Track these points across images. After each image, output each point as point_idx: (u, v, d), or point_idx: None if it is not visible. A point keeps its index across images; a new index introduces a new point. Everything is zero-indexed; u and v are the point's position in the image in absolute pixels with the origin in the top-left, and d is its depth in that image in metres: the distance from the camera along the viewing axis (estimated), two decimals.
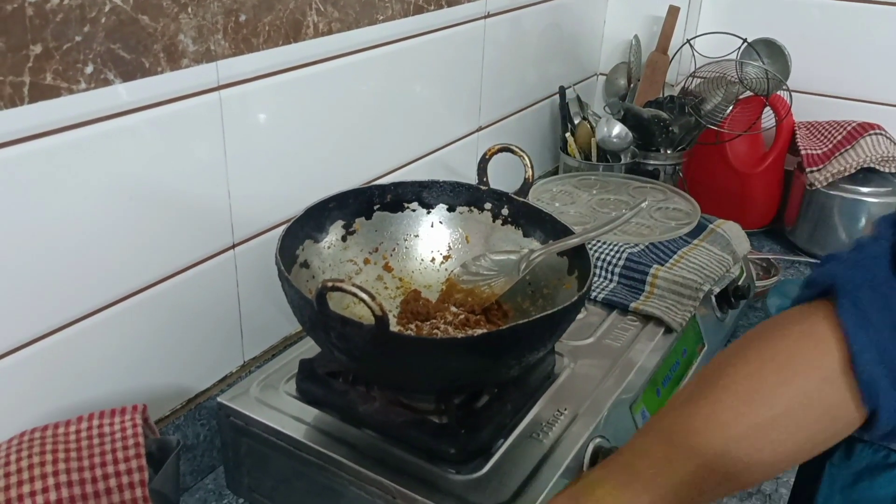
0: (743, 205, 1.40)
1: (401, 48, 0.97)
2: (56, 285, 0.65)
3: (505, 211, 0.84)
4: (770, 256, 1.26)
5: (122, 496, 0.52)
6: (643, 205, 0.76)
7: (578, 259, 0.76)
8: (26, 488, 0.50)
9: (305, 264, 0.77)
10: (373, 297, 0.56)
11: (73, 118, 0.62)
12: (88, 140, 0.64)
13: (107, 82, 0.64)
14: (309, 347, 0.81)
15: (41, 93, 0.59)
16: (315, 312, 0.60)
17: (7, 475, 0.51)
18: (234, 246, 0.82)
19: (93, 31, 0.62)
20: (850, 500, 1.08)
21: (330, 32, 0.85)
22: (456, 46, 1.09)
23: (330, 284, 0.57)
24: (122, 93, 0.66)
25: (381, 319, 0.57)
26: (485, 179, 0.85)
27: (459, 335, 0.58)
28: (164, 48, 0.68)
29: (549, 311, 0.63)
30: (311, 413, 0.73)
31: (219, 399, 0.74)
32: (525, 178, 0.83)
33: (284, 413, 0.72)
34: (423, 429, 0.69)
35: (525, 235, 0.83)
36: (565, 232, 0.78)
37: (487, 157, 0.84)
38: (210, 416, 0.84)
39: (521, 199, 0.83)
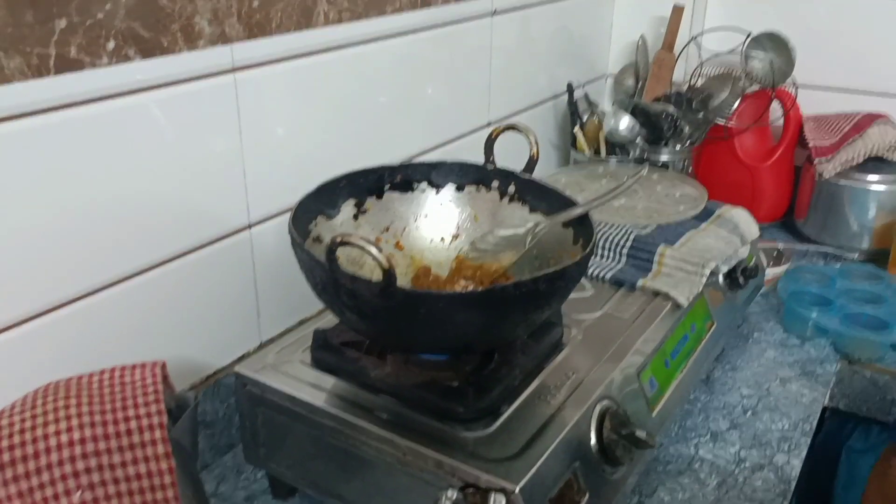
0: (753, 198, 1.41)
1: (410, 41, 1.01)
2: (76, 254, 0.69)
3: (511, 188, 0.86)
4: (780, 245, 1.27)
5: (142, 437, 0.54)
6: (643, 172, 0.78)
7: (582, 228, 0.77)
8: (51, 428, 0.52)
9: (319, 239, 0.79)
10: (380, 250, 0.59)
11: (96, 91, 0.66)
12: (109, 114, 0.68)
13: (127, 58, 0.67)
14: (324, 323, 0.83)
15: (66, 65, 0.63)
16: (326, 271, 0.62)
17: (34, 416, 0.53)
18: (249, 226, 0.85)
19: (114, 9, 0.65)
20: (871, 481, 1.08)
21: (340, 21, 0.88)
22: (464, 43, 1.12)
23: (339, 239, 0.59)
24: (142, 69, 0.69)
25: (389, 272, 0.59)
26: (491, 159, 0.87)
27: (461, 291, 0.60)
28: (181, 28, 0.71)
29: (554, 268, 0.65)
30: (325, 380, 0.74)
31: (235, 368, 0.76)
32: (530, 156, 0.85)
33: (300, 380, 0.74)
34: (433, 390, 0.70)
35: (531, 211, 0.85)
36: (570, 204, 0.80)
37: (493, 136, 0.86)
38: (228, 393, 0.86)
39: (527, 176, 0.85)
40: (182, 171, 0.75)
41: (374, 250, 0.58)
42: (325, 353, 0.76)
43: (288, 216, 0.88)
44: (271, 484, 0.82)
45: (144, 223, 0.74)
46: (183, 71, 0.73)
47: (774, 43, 1.33)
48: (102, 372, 0.59)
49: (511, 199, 0.86)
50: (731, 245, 1.02)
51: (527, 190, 0.85)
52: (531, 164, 0.85)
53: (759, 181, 1.41)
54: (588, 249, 0.69)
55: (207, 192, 0.79)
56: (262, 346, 0.90)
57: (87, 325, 0.71)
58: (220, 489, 0.83)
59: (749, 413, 0.95)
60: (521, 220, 0.85)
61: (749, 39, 1.33)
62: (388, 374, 0.72)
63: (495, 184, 0.87)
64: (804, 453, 0.88)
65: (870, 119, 1.32)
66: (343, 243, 0.59)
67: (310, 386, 0.74)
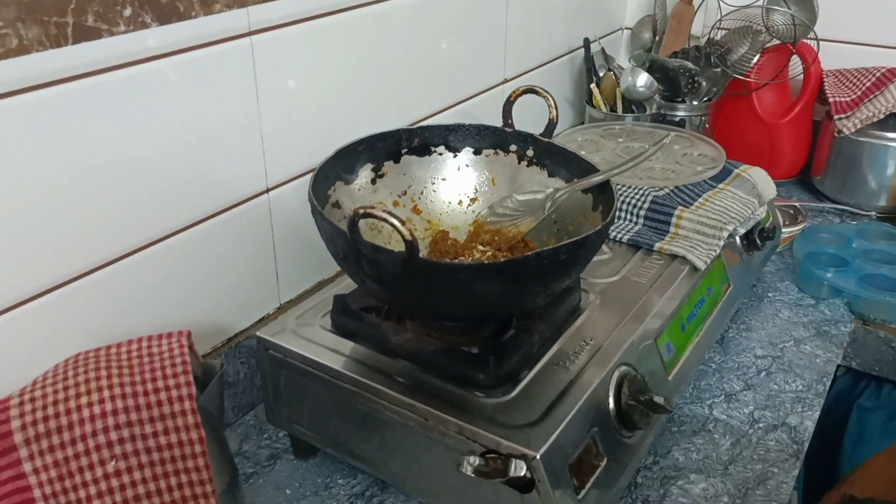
0: (771, 155, 1.40)
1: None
2: (100, 222, 0.69)
3: (530, 152, 0.86)
4: (797, 203, 1.26)
5: (171, 408, 0.55)
6: (666, 140, 0.77)
7: (602, 195, 0.77)
8: (84, 399, 0.53)
9: (337, 204, 0.79)
10: (403, 223, 0.59)
11: (115, 58, 0.65)
12: (127, 81, 0.67)
13: (144, 25, 0.67)
14: (343, 286, 0.84)
15: (84, 33, 0.62)
16: (348, 241, 0.63)
17: (66, 388, 0.54)
18: (267, 190, 0.85)
19: None
20: (880, 438, 1.09)
21: None
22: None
23: (362, 211, 0.60)
24: (159, 35, 0.68)
25: (411, 244, 0.59)
26: (510, 122, 0.86)
27: (485, 261, 0.60)
28: None
29: (574, 239, 0.65)
30: (346, 345, 0.75)
31: (258, 333, 0.77)
32: (549, 119, 0.84)
33: (321, 345, 0.75)
34: (453, 357, 0.71)
35: (550, 175, 0.85)
36: (590, 170, 0.80)
37: (512, 99, 0.85)
38: (249, 354, 0.87)
39: (546, 140, 0.84)
40: (200, 136, 0.75)
41: (396, 222, 0.59)
42: (346, 318, 0.77)
43: (306, 179, 0.89)
44: (293, 444, 0.84)
45: (164, 190, 0.74)
46: (199, 35, 0.72)
47: None
48: (130, 342, 0.60)
49: (530, 163, 0.86)
50: (748, 206, 1.01)
51: (546, 154, 0.85)
52: (550, 127, 0.84)
53: (778, 138, 1.39)
54: (609, 218, 0.69)
55: (225, 157, 0.79)
56: (280, 309, 0.91)
57: (111, 292, 0.72)
58: (243, 447, 0.85)
59: (763, 374, 0.96)
60: (539, 185, 0.85)
61: None
62: (408, 339, 0.73)
63: (513, 147, 0.87)
64: (817, 414, 0.90)
65: (892, 74, 1.30)
66: (366, 215, 0.60)
67: (330, 351, 0.75)
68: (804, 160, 1.43)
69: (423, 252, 0.84)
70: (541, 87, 0.84)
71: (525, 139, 0.86)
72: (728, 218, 0.96)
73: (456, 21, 1.06)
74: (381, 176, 0.85)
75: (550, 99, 0.83)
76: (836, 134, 1.31)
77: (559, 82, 1.40)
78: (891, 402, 1.12)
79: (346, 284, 0.83)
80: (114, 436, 0.53)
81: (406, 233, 0.59)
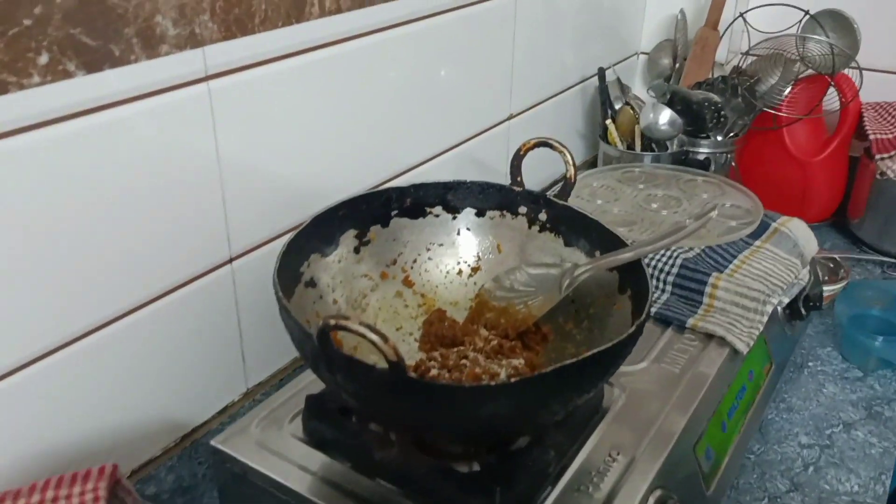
0: (803, 197, 1.27)
1: (421, 28, 0.86)
2: (27, 313, 0.55)
3: (543, 216, 0.73)
4: (837, 255, 1.13)
5: None
6: (713, 214, 0.64)
7: (632, 275, 0.64)
8: None
9: (312, 283, 0.66)
10: (385, 339, 0.45)
11: (27, 118, 0.52)
12: (48, 143, 0.54)
13: (67, 74, 0.53)
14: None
15: None
16: (318, 351, 0.49)
17: None
18: (231, 260, 0.72)
19: (46, 13, 0.51)
20: None
21: (339, 11, 0.73)
22: (484, 25, 0.97)
23: (333, 323, 0.46)
24: (88, 86, 0.55)
25: (396, 365, 0.46)
26: (519, 179, 0.73)
27: (492, 382, 0.47)
28: (137, 32, 0.57)
29: (602, 348, 0.51)
30: (319, 460, 0.62)
31: (212, 443, 0.63)
32: (566, 178, 0.71)
33: (288, 460, 0.62)
34: (449, 481, 0.58)
35: (567, 245, 0.71)
36: (615, 242, 0.67)
37: (522, 153, 0.72)
38: (209, 452, 0.73)
39: (562, 203, 0.71)
40: (148, 203, 0.62)
41: (376, 339, 0.45)
42: (320, 424, 0.63)
43: (275, 245, 0.75)
44: None
45: (109, 269, 0.60)
46: (142, 84, 0.59)
47: (836, 22, 1.17)
48: (32, 491, 0.46)
49: (542, 229, 0.73)
50: (791, 269, 0.88)
51: (561, 219, 0.72)
52: (567, 188, 0.71)
53: (811, 177, 1.26)
54: (644, 316, 0.56)
55: (180, 226, 0.65)
56: (247, 394, 0.78)
57: (44, 390, 0.58)
58: None
59: (811, 469, 0.82)
60: (553, 255, 0.72)
61: (807, 18, 1.17)
62: (394, 457, 0.60)
63: (523, 209, 0.73)
64: None
65: None
66: (338, 327, 0.46)
67: (299, 469, 0.61)
68: (839, 201, 1.30)
69: (415, 335, 0.71)
70: (556, 141, 0.70)
71: (537, 200, 0.73)
72: (770, 286, 0.83)
73: (455, 52, 0.93)
74: (367, 243, 0.72)
75: (568, 154, 0.70)
76: (877, 176, 1.18)
77: (570, 114, 1.27)
78: None
79: None
80: None
81: (389, 353, 0.46)
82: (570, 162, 0.70)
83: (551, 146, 0.71)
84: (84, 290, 0.59)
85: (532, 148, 0.71)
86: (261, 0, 0.65)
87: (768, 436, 0.87)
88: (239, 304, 0.74)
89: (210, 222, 0.68)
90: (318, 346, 0.48)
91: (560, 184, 0.73)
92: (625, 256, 0.63)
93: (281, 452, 0.63)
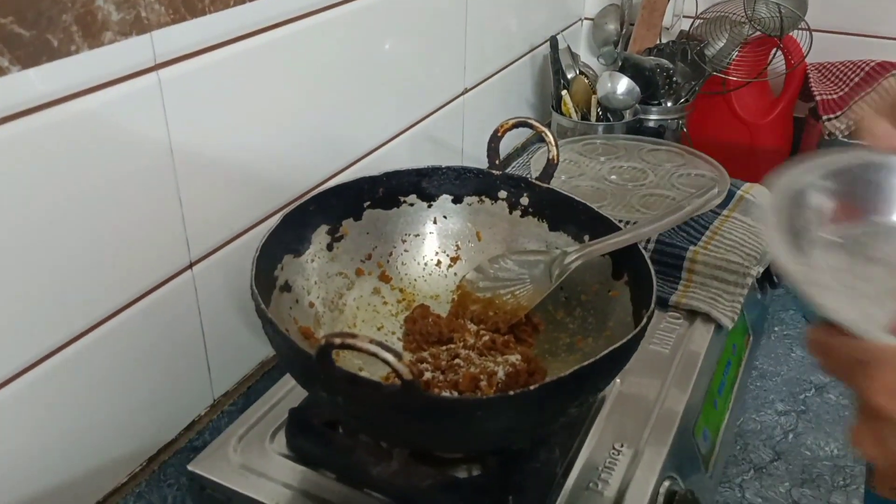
0: (751, 158, 1.27)
1: (371, 2, 0.80)
2: None
3: (524, 200, 0.69)
4: None
5: None
6: (715, 192, 0.62)
7: (629, 260, 0.61)
8: None
9: (286, 287, 0.61)
10: (399, 356, 0.41)
11: None
12: None
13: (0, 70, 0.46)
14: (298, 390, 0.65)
15: None
16: (316, 371, 0.45)
17: None
18: (191, 265, 0.65)
19: None
20: None
21: None
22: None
23: (338, 341, 0.42)
24: (25, 83, 0.48)
25: (411, 384, 0.42)
26: (497, 162, 0.69)
27: (510, 392, 0.43)
28: (77, 19, 0.50)
29: (624, 340, 0.48)
30: (308, 477, 0.57)
31: (190, 467, 0.58)
32: (548, 159, 0.67)
33: (275, 480, 0.57)
34: (456, 493, 0.54)
35: (552, 229, 0.68)
36: (606, 225, 0.64)
37: (500, 133, 0.68)
38: (179, 473, 0.68)
39: (545, 185, 0.68)
40: (97, 209, 0.55)
41: (390, 358, 0.41)
42: (306, 439, 0.59)
43: (236, 245, 0.69)
44: None
45: (55, 288, 0.53)
46: (85, 78, 0.52)
47: None
48: None
49: (524, 213, 0.69)
50: (762, 238, 0.87)
51: (545, 203, 0.68)
52: (549, 169, 0.68)
53: (759, 139, 1.27)
54: (650, 309, 0.53)
55: (134, 233, 0.59)
56: (214, 406, 0.72)
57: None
58: None
59: (791, 436, 0.83)
60: (538, 240, 0.69)
61: None
62: (394, 470, 0.56)
63: (503, 194, 0.70)
64: (864, 486, 0.77)
65: (882, 69, 1.18)
66: (344, 346, 0.42)
67: (288, 489, 0.57)
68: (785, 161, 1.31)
69: (398, 333, 0.66)
70: (536, 120, 0.67)
71: (517, 184, 0.69)
72: (746, 256, 0.82)
73: (406, 26, 0.87)
74: (340, 238, 0.67)
75: (550, 136, 0.66)
76: (825, 136, 1.19)
77: (520, 85, 1.23)
78: None
79: None
80: None
81: (405, 372, 0.41)
82: (552, 142, 0.66)
83: (531, 126, 0.67)
84: (29, 316, 0.52)
85: (511, 128, 0.67)
86: None
87: (745, 405, 0.87)
88: (202, 312, 0.67)
89: (167, 226, 0.62)
90: (318, 366, 0.44)
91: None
92: (623, 239, 0.60)
93: (266, 473, 0.58)
